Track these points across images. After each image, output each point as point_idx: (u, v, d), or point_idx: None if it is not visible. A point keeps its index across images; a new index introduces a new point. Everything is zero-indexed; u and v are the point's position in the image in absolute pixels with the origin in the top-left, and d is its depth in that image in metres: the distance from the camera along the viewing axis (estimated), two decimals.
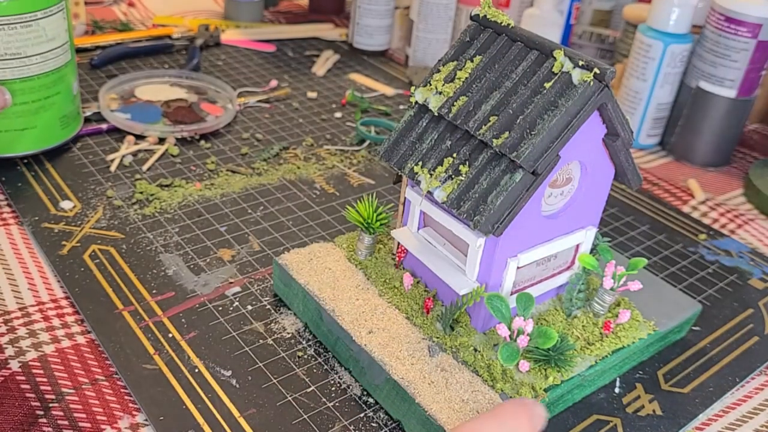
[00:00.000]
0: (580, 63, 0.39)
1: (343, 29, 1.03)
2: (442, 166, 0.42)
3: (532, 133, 0.39)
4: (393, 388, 0.42)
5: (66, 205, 0.58)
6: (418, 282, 0.48)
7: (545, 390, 0.42)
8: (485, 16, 0.44)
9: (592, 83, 0.39)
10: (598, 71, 0.38)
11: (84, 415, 0.41)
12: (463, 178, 0.41)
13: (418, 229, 0.48)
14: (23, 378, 0.43)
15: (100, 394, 0.43)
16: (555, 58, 0.40)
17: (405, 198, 0.48)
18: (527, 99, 0.40)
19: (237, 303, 0.50)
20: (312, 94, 0.83)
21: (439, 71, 0.44)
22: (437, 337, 0.45)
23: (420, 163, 0.43)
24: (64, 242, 0.54)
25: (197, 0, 1.09)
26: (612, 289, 0.47)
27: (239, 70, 0.87)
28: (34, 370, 0.43)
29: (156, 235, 0.56)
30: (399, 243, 0.49)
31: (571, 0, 0.90)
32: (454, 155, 0.42)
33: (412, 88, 0.45)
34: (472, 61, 0.43)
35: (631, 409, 0.46)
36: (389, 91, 0.86)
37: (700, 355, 0.51)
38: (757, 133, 0.88)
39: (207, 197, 0.62)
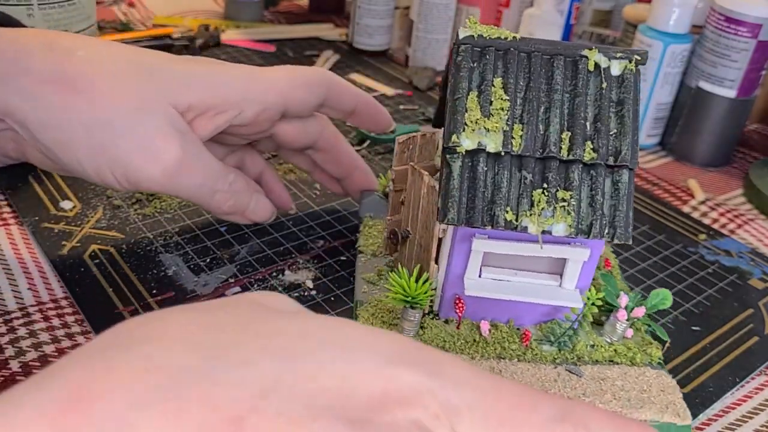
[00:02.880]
0: (617, 55, 0.40)
1: (343, 29, 1.03)
2: (537, 202, 0.40)
3: (621, 134, 0.40)
4: None
5: (66, 205, 0.58)
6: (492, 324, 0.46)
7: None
8: (480, 35, 0.41)
9: (634, 70, 0.40)
10: (639, 57, 0.40)
11: None
12: (573, 203, 0.40)
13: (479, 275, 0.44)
14: (23, 378, 0.43)
15: None
16: (587, 57, 0.41)
17: (452, 249, 0.43)
18: (592, 104, 0.40)
19: None
20: None
21: (465, 109, 0.40)
22: (556, 358, 0.44)
23: (508, 209, 0.40)
24: (64, 242, 0.54)
25: (197, 0, 1.09)
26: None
27: None
28: (35, 370, 0.43)
29: (156, 235, 0.56)
30: (458, 300, 0.45)
31: (571, 0, 0.90)
32: (545, 186, 0.40)
33: (453, 137, 0.39)
34: (494, 86, 0.40)
35: None
36: (389, 91, 0.86)
37: (700, 355, 0.51)
38: (757, 133, 0.88)
39: None
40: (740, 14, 0.71)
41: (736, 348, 0.52)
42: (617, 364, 0.44)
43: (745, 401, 0.48)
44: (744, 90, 0.75)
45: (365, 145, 0.73)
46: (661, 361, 0.46)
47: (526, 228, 0.40)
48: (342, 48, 0.97)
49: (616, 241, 0.40)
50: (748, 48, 0.72)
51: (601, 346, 0.45)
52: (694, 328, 0.53)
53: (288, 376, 0.23)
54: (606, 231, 0.40)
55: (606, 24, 1.06)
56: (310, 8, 1.10)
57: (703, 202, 0.72)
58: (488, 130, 0.39)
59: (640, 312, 0.45)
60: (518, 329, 0.45)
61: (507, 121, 0.40)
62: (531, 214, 0.40)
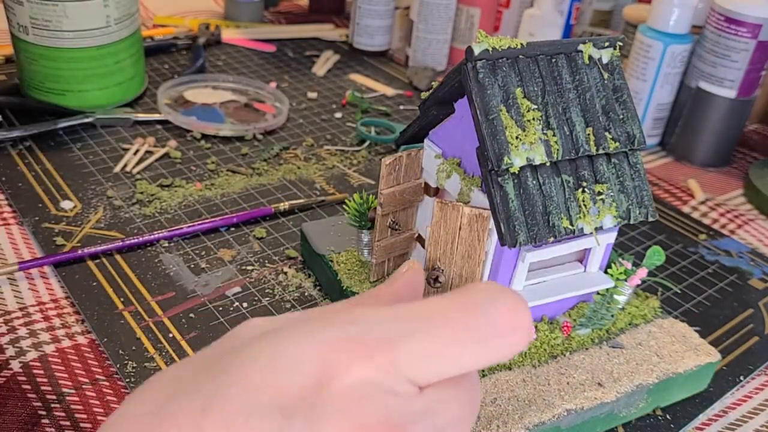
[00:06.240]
0: (605, 44, 0.42)
1: (343, 29, 1.03)
2: (584, 204, 0.40)
3: (629, 118, 0.42)
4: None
5: (66, 205, 0.58)
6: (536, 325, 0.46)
7: None
8: (494, 48, 0.39)
9: (619, 53, 0.43)
10: (621, 44, 0.42)
11: (85, 416, 0.41)
12: (612, 195, 0.41)
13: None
14: (24, 378, 0.43)
15: (101, 394, 0.43)
16: (582, 51, 0.41)
17: (495, 268, 0.42)
18: (600, 96, 0.41)
19: (237, 303, 0.50)
20: (312, 95, 0.83)
21: (504, 127, 0.38)
22: (593, 338, 0.45)
23: (563, 216, 0.40)
24: (64, 242, 0.54)
25: (197, 0, 1.09)
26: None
27: (239, 70, 0.87)
28: (35, 371, 0.43)
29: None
30: None
31: (571, 0, 0.90)
32: (583, 184, 0.41)
33: (505, 158, 0.38)
34: (517, 96, 0.40)
35: None
36: (389, 91, 0.86)
37: None
38: (757, 133, 0.88)
39: (207, 197, 0.62)
40: (740, 14, 0.71)
41: (736, 348, 0.52)
42: (636, 325, 0.47)
43: (745, 401, 0.48)
44: (744, 90, 0.75)
45: (365, 145, 0.73)
46: (662, 309, 0.49)
47: (582, 230, 0.40)
48: (342, 48, 0.97)
49: (650, 219, 0.42)
50: (748, 48, 0.72)
51: (619, 315, 0.47)
52: (694, 328, 0.53)
53: (223, 389, 0.24)
54: (639, 212, 0.42)
55: (606, 24, 1.06)
56: (310, 8, 1.10)
57: (703, 202, 0.72)
58: (531, 144, 0.39)
59: (643, 273, 0.46)
60: (551, 322, 0.46)
61: (542, 130, 0.39)
62: (583, 216, 0.40)
